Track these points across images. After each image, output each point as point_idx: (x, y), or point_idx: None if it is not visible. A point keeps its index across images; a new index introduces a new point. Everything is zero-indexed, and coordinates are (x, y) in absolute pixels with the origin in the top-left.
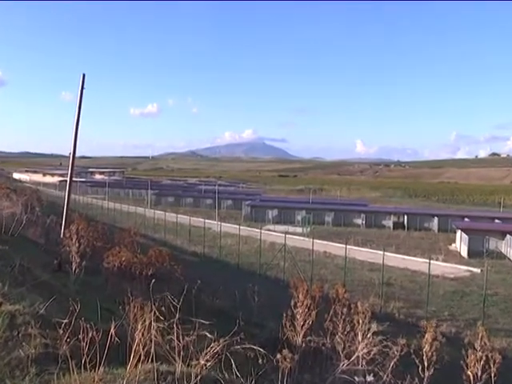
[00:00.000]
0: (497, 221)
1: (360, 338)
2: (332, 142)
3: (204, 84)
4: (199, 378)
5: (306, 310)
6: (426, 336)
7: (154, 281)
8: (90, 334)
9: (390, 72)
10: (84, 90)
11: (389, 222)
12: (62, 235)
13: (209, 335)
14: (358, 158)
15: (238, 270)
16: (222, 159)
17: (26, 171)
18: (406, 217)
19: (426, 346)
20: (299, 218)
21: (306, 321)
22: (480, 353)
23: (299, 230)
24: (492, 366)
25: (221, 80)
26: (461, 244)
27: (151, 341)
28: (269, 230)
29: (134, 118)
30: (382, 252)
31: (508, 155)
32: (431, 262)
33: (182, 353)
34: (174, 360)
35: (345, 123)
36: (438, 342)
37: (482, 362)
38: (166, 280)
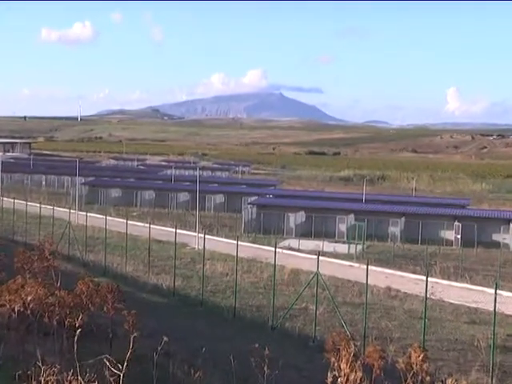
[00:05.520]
0: None
1: None
2: (402, 95)
3: None
4: None
5: None
6: None
7: (83, 336)
8: None
9: None
10: None
11: (506, 238)
12: None
13: None
14: (451, 122)
15: (234, 320)
16: (206, 123)
17: None
18: None
19: None
20: (343, 227)
21: None
22: None
23: (343, 248)
24: None
25: None
26: None
27: None
28: (290, 249)
29: (49, 46)
30: (492, 290)
31: None
32: None
33: None
34: None
35: (426, 58)
36: None
37: None
38: (105, 335)
